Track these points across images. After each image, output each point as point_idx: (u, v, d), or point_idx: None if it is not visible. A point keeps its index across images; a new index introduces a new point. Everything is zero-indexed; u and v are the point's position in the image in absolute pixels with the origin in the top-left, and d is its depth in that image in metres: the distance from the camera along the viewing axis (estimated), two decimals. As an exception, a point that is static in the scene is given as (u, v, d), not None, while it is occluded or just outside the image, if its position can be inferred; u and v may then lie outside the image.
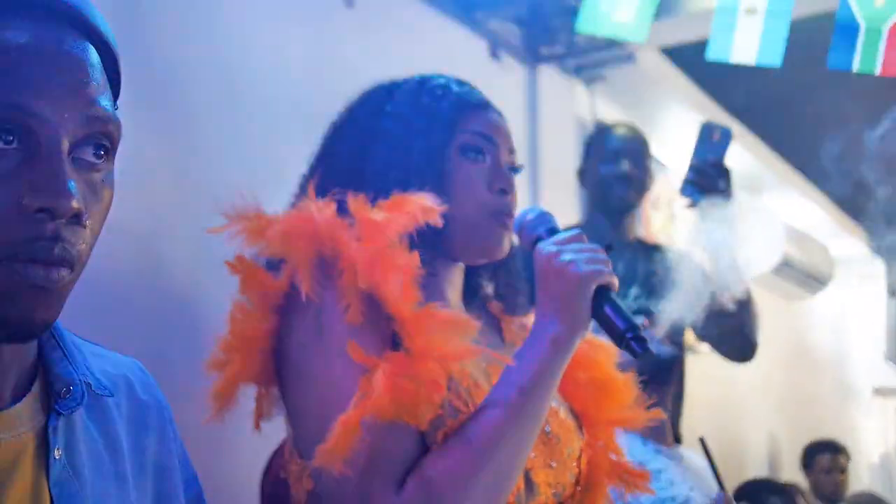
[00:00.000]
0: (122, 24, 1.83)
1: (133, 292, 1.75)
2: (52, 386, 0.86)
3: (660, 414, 1.36)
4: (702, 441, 1.96)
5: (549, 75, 3.38)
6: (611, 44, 3.23)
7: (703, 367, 2.41)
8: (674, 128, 3.32)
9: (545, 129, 3.30)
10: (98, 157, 0.79)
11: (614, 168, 2.56)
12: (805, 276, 5.31)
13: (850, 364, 6.95)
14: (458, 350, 1.16)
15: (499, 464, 1.14)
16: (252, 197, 1.23)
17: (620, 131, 2.66)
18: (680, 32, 3.16)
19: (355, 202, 1.20)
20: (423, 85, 1.39)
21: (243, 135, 2.04)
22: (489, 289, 1.46)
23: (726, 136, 2.25)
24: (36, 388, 0.85)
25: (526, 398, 1.17)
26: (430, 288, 1.25)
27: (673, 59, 3.76)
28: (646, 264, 2.41)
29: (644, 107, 3.84)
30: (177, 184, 1.85)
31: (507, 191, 1.35)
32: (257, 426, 1.30)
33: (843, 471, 5.02)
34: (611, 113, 3.75)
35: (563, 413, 1.34)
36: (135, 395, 0.97)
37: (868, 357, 6.99)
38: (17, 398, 0.83)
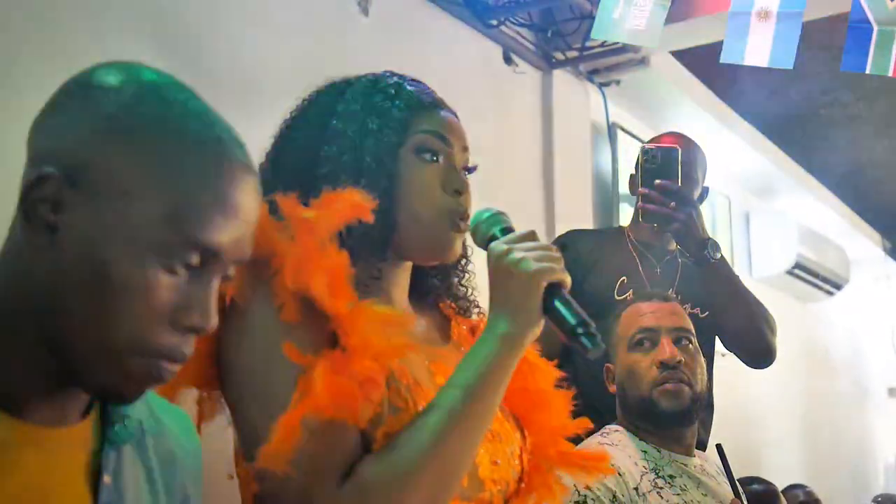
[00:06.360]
0: (141, 35, 1.86)
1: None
2: (105, 416, 0.95)
3: (587, 423, 1.36)
4: (718, 447, 1.96)
5: (563, 80, 3.39)
6: (624, 48, 3.25)
7: (716, 369, 2.41)
8: (688, 131, 3.32)
9: (560, 133, 3.32)
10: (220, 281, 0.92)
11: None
12: (820, 277, 5.31)
13: (864, 365, 6.94)
14: (395, 346, 1.15)
15: (441, 466, 1.13)
16: None
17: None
18: (693, 36, 3.18)
19: (286, 202, 1.18)
20: (375, 84, 1.36)
21: (260, 144, 2.05)
22: (441, 288, 1.44)
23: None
24: (94, 415, 0.94)
25: (472, 399, 1.16)
26: (373, 287, 1.25)
27: (686, 62, 3.78)
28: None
29: (658, 110, 3.85)
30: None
31: (461, 192, 1.33)
32: (199, 431, 1.26)
33: None
34: (625, 116, 3.76)
35: (503, 414, 1.33)
36: (173, 437, 1.05)
37: (883, 358, 6.98)
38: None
